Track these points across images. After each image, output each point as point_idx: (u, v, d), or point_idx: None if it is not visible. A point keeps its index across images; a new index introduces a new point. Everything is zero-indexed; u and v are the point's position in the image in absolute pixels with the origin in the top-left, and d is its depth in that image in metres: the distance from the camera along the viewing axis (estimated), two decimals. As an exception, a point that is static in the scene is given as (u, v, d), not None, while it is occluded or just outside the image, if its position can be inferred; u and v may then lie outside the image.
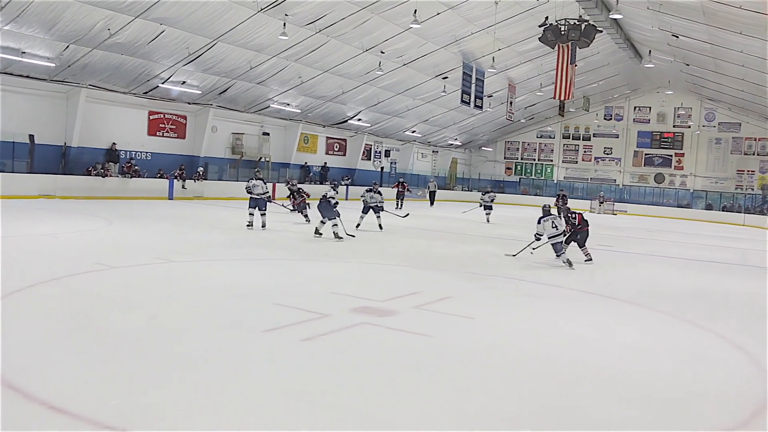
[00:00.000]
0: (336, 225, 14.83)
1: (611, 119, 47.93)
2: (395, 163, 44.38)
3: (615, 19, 24.97)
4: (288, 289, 8.95)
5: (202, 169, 28.72)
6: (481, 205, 25.64)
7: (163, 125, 28.75)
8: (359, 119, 36.74)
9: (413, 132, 42.06)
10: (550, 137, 50.55)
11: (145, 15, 20.68)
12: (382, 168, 42.09)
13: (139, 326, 6.60)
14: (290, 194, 20.61)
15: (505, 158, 52.57)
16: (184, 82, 26.57)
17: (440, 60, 30.44)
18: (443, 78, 32.56)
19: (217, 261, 11.24)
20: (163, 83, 26.02)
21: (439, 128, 43.22)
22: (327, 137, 38.53)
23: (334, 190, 15.64)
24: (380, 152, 42.80)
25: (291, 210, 20.41)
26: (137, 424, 4.15)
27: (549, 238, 12.68)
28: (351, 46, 26.45)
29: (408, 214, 21.33)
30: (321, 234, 15.03)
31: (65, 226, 14.75)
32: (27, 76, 22.73)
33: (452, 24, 26.32)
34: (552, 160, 50.69)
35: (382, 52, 27.52)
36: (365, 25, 24.41)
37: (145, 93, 26.71)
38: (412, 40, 27.20)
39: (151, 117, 28.19)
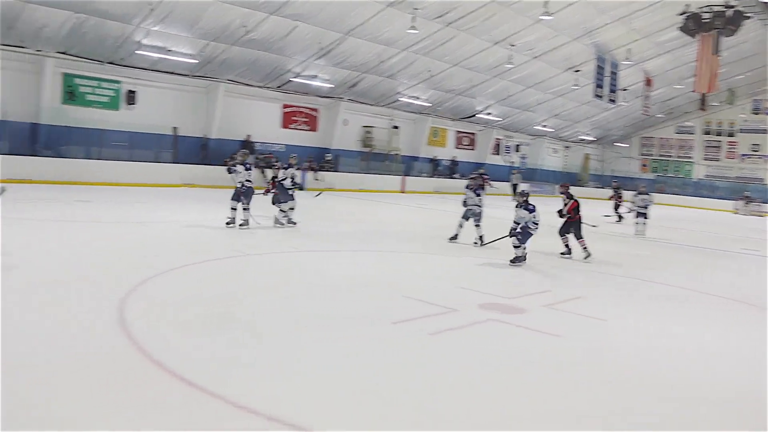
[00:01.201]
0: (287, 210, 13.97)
1: (759, 113, 44.31)
2: (525, 158, 43.54)
3: (766, 3, 23.18)
4: (416, 283, 9.00)
5: (330, 155, 29.54)
6: (630, 211, 19.84)
7: (296, 118, 29.71)
8: (489, 113, 36.33)
9: (544, 126, 41.05)
10: (690, 133, 47.54)
11: (279, 12, 21.46)
12: (512, 163, 41.43)
13: (272, 313, 6.86)
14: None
15: (640, 155, 50.15)
16: (316, 76, 27.31)
17: (572, 53, 29.53)
18: (575, 71, 31.54)
19: (346, 252, 11.44)
20: (295, 77, 26.92)
21: (571, 123, 41.92)
22: (456, 131, 38.37)
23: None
24: (510, 147, 42.17)
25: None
26: (273, 409, 4.29)
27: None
28: (480, 39, 26.19)
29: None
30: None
31: (204, 213, 15.57)
32: (172, 73, 24.27)
33: (585, 15, 25.46)
34: (691, 157, 47.64)
35: (512, 45, 27.04)
36: (495, 17, 24.10)
37: (279, 87, 27.71)
38: (542, 33, 26.55)
39: (285, 110, 29.19)
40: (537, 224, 11.24)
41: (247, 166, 13.14)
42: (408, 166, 33.82)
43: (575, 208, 12.91)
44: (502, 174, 37.34)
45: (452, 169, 35.85)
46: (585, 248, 12.67)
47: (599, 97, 30.42)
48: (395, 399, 4.67)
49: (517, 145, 42.68)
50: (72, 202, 15.43)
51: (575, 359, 5.95)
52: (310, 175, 27.83)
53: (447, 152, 37.51)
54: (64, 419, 3.99)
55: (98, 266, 8.59)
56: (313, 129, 30.49)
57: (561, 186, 14.23)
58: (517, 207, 11.47)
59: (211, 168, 24.65)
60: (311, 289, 8.18)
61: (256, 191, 13.33)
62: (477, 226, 13.13)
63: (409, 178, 32.52)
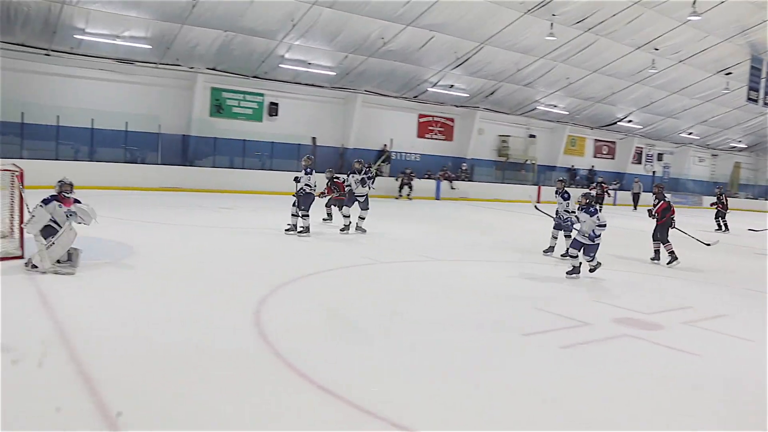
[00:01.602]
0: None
1: None
2: (668, 167, 41.31)
3: None
4: (550, 294, 8.79)
5: (465, 165, 29.48)
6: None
7: (431, 127, 29.86)
8: (629, 120, 34.80)
9: (689, 134, 38.68)
10: None
11: (415, 23, 21.66)
12: (654, 173, 39.48)
13: (401, 319, 6.91)
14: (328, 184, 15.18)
15: (802, 163, 46.09)
16: (452, 86, 27.32)
17: (722, 54, 27.61)
18: (726, 74, 29.52)
19: (478, 262, 11.34)
20: (432, 87, 27.07)
21: (720, 129, 39.17)
22: (595, 139, 37.05)
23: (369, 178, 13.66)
24: (652, 156, 40.18)
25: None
26: (398, 415, 4.33)
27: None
28: (622, 44, 25.17)
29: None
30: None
31: (338, 222, 15.93)
32: (312, 85, 25.11)
33: (738, 12, 23.74)
34: None
35: (656, 49, 25.77)
36: (637, 21, 23.05)
37: (415, 97, 27.96)
38: (690, 34, 25.07)
39: (421, 119, 29.41)
40: (603, 226, 9.88)
41: (308, 170, 12.66)
42: (544, 175, 33.10)
43: (664, 210, 12.38)
44: (644, 185, 35.80)
45: (590, 179, 34.66)
46: (671, 252, 12.10)
47: (754, 101, 28.39)
48: (523, 411, 4.57)
49: (660, 154, 40.58)
50: (216, 209, 16.29)
51: (715, 381, 5.55)
52: (444, 184, 27.86)
53: (585, 161, 36.31)
54: (194, 413, 4.17)
55: (237, 270, 9.03)
56: (449, 138, 30.50)
57: (655, 186, 13.54)
58: (579, 210, 10.17)
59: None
60: (440, 298, 8.17)
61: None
62: (567, 237, 11.88)
63: (545, 188, 31.81)
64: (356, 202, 13.66)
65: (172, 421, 4.03)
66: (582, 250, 9.97)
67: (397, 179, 25.61)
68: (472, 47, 24.00)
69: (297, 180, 12.55)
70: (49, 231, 7.97)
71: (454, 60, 24.82)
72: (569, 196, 12.09)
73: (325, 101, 26.21)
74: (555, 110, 31.62)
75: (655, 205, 12.62)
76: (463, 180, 28.92)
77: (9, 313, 6.04)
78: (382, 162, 26.09)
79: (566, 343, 6.28)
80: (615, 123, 35.02)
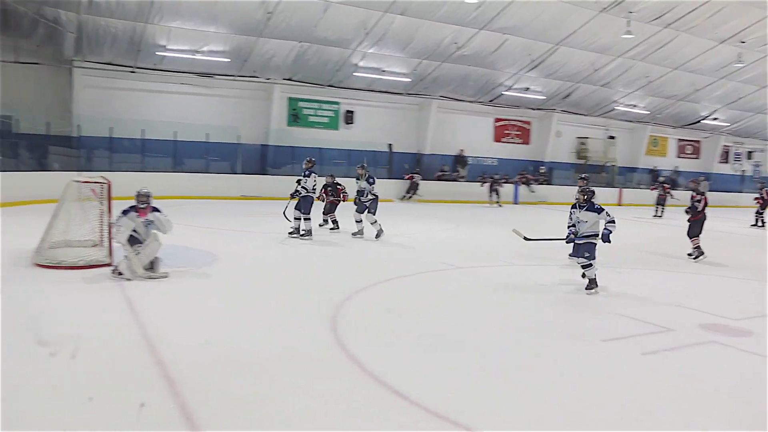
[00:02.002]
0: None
1: None
2: (759, 165, 39.41)
3: None
4: (631, 299, 8.58)
5: (543, 168, 29.04)
6: None
7: (508, 131, 29.54)
8: (715, 118, 33.39)
9: (783, 130, 36.87)
10: None
11: (489, 26, 21.52)
12: (743, 172, 37.79)
13: (480, 324, 6.92)
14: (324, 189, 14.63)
15: None
16: (527, 89, 26.96)
17: (819, 44, 26.18)
18: (819, 65, 28.02)
19: (558, 267, 11.16)
20: (507, 91, 26.78)
21: (817, 123, 37.20)
22: (678, 139, 35.72)
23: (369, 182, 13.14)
24: (741, 154, 38.43)
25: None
26: (472, 420, 4.35)
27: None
28: (704, 39, 24.21)
29: None
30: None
31: (416, 227, 15.96)
32: (386, 92, 25.29)
33: (838, -3, 22.50)
34: None
35: (742, 42, 24.67)
36: (720, 13, 22.11)
37: (491, 101, 27.74)
38: (780, 25, 23.94)
39: (497, 124, 29.15)
40: (614, 223, 8.65)
41: (307, 173, 12.62)
42: (625, 177, 32.20)
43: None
44: (732, 184, 34.42)
45: (674, 180, 33.43)
46: (698, 247, 12.06)
47: None
48: (602, 418, 4.49)
49: (750, 152, 38.78)
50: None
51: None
52: (523, 188, 27.50)
53: (668, 162, 35.07)
54: (271, 415, 4.29)
55: (316, 275, 9.25)
56: (526, 142, 30.10)
57: (693, 182, 13.03)
58: (577, 207, 9.09)
59: (425, 182, 25.28)
60: (520, 303, 8.13)
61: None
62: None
63: (626, 190, 30.98)
64: (366, 209, 13.20)
65: (250, 423, 4.14)
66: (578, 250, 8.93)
67: (482, 185, 25.19)
68: (547, 49, 23.63)
69: (298, 182, 12.56)
70: (133, 240, 8.32)
71: (528, 62, 24.51)
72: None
73: (401, 108, 26.34)
74: (635, 110, 30.72)
75: (699, 201, 12.33)
76: (541, 183, 28.48)
77: (98, 317, 6.35)
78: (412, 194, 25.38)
79: (649, 350, 6.12)
80: (699, 121, 33.67)
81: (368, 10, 19.89)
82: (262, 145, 23.40)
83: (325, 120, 24.99)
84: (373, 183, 13.19)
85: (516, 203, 27.03)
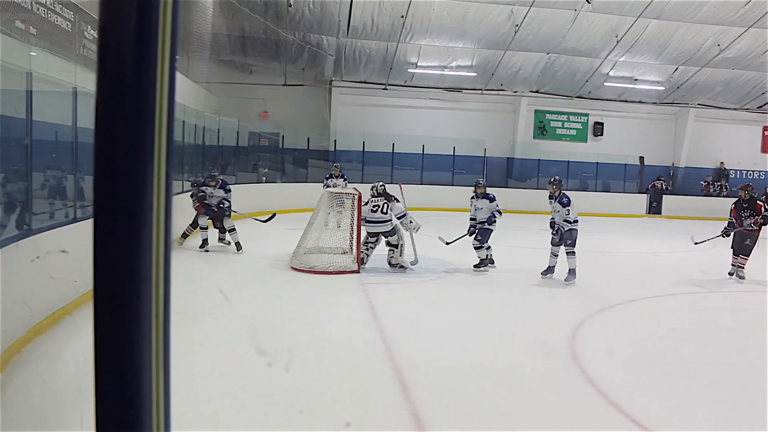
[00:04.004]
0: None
1: None
2: None
3: None
4: None
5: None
6: None
7: (779, 141, 26.60)
8: None
9: None
10: None
11: (759, 24, 19.55)
12: None
13: (720, 354, 6.33)
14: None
15: None
16: (806, 93, 24.08)
17: None
18: None
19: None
20: (779, 96, 24.14)
21: None
22: None
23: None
24: None
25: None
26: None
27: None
28: None
29: None
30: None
31: (666, 245, 14.99)
32: (638, 102, 24.06)
33: None
34: None
35: None
36: None
37: (759, 107, 25.14)
38: None
39: (766, 132, 26.33)
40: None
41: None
42: None
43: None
44: None
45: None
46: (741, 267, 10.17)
47: None
48: None
49: None
50: (537, 231, 16.34)
51: None
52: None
53: None
54: (497, 426, 4.30)
55: (556, 293, 9.00)
56: (802, 152, 26.87)
57: (742, 188, 10.39)
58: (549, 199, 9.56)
59: (679, 198, 23.60)
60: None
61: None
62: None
63: None
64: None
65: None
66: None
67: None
68: (831, 46, 20.94)
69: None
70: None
71: (808, 63, 21.90)
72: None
73: (653, 118, 24.88)
74: None
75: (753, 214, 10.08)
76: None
77: (343, 319, 6.82)
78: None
79: None
80: None
81: (620, 16, 19.10)
82: (507, 158, 23.46)
83: (573, 132, 24.41)
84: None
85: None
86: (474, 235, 10.18)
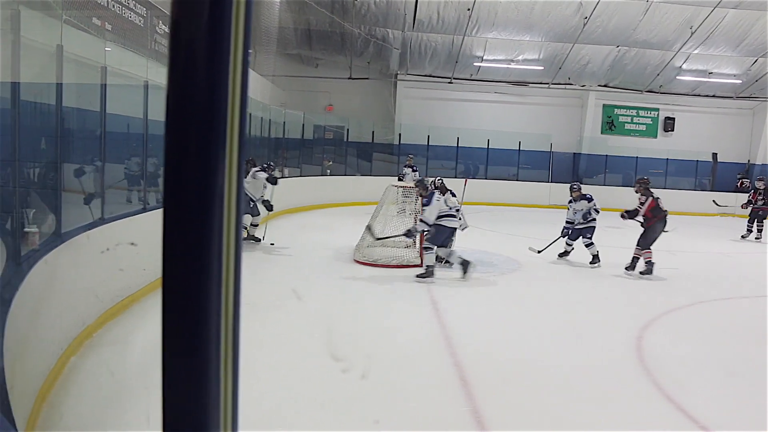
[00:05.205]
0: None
1: None
2: None
3: None
4: None
5: None
6: None
7: None
8: None
9: None
10: None
11: (844, 15, 18.64)
12: None
13: None
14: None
15: None
16: None
17: None
18: None
19: None
20: None
21: None
22: None
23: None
24: None
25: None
26: None
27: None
28: None
29: None
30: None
31: (740, 245, 14.45)
32: (713, 96, 23.21)
33: None
34: None
35: None
36: None
37: (844, 102, 23.98)
38: None
39: None
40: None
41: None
42: None
43: (653, 209, 9.68)
44: None
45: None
46: (648, 261, 9.60)
47: None
48: None
49: None
50: (605, 228, 15.94)
51: None
52: None
53: None
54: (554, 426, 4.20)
55: (623, 289, 8.79)
56: None
57: (637, 182, 10.16)
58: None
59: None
60: None
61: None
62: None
63: None
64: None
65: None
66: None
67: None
68: None
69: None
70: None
71: None
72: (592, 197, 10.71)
73: (729, 113, 23.93)
74: None
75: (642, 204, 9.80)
76: None
77: (405, 314, 6.78)
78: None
79: None
80: None
81: (696, 7, 18.45)
82: (574, 153, 23.00)
83: (642, 128, 23.72)
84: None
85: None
86: (580, 236, 10.54)
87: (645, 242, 9.57)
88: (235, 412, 0.78)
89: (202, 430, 0.75)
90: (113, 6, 7.84)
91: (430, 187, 9.15)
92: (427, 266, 8.64)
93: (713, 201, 14.05)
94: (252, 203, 10.56)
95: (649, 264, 9.51)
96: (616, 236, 13.08)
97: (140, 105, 6.94)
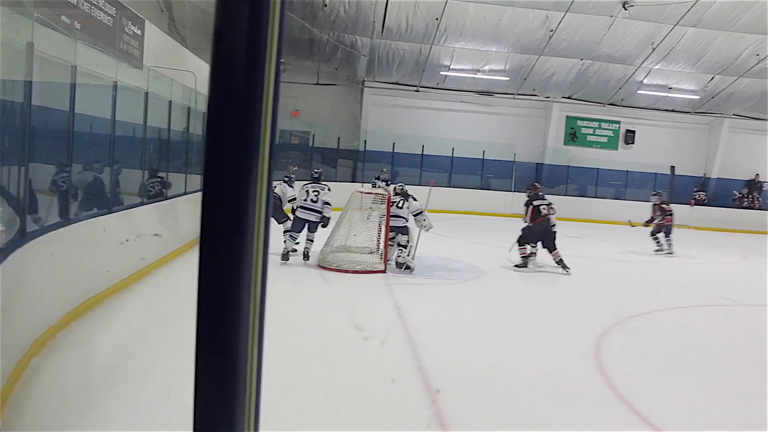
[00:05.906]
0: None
1: None
2: None
3: None
4: None
5: None
6: None
7: (818, 154, 26.11)
8: None
9: None
10: None
11: (799, 35, 19.27)
12: None
13: (738, 365, 6.24)
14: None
15: None
16: None
17: None
18: None
19: None
20: (816, 108, 23.70)
21: None
22: None
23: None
24: None
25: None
26: None
27: None
28: None
29: None
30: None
31: (696, 256, 14.79)
32: (672, 110, 23.79)
33: None
34: None
35: None
36: None
37: (799, 119, 24.76)
38: None
39: (805, 145, 25.91)
40: None
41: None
42: None
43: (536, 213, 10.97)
44: None
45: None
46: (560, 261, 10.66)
47: None
48: None
49: None
50: (564, 237, 16.19)
51: None
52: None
53: None
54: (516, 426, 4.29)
55: (586, 295, 9.04)
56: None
57: (528, 187, 11.84)
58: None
59: (709, 209, 23.28)
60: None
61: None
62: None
63: None
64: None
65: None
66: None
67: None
68: None
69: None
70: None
71: None
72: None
73: (686, 128, 24.56)
74: None
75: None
76: None
77: (370, 319, 6.83)
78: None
79: None
80: None
81: (657, 23, 18.90)
82: (537, 163, 23.34)
83: (604, 140, 24.19)
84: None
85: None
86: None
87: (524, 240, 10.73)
88: (257, 411, 0.83)
89: (230, 429, 0.80)
90: (83, 5, 7.77)
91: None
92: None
93: (628, 221, 14.38)
94: None
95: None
96: (576, 245, 13.29)
97: (108, 105, 6.87)
